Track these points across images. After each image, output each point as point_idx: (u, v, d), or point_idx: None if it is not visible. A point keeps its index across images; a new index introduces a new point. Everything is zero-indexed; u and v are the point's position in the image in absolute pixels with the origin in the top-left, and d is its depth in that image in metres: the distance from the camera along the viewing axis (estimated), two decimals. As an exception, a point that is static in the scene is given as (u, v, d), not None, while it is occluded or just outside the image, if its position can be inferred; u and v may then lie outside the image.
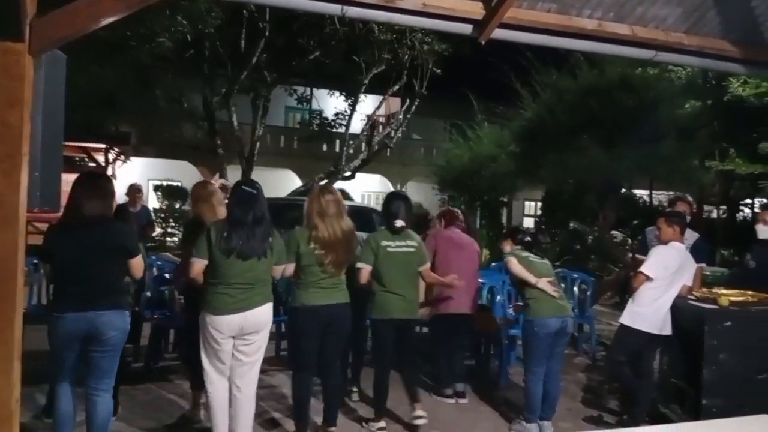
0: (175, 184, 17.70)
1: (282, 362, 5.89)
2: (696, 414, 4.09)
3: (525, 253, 4.55)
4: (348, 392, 4.91)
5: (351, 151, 16.49)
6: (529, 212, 22.98)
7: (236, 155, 15.46)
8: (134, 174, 17.07)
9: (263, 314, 3.66)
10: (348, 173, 15.98)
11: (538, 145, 10.19)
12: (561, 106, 9.74)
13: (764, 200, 12.24)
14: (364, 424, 4.48)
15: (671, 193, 17.54)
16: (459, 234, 5.37)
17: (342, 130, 16.90)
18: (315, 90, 18.38)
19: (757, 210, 12.89)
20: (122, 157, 17.26)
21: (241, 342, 3.65)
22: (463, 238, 5.36)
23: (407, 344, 4.47)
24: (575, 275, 7.33)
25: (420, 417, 4.37)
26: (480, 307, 5.77)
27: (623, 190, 13.48)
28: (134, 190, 7.95)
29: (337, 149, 17.40)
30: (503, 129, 13.49)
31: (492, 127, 14.74)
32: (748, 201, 16.04)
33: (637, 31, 4.36)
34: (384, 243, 4.32)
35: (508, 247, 4.75)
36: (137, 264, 3.59)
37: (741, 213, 16.52)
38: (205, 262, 3.59)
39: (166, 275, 6.13)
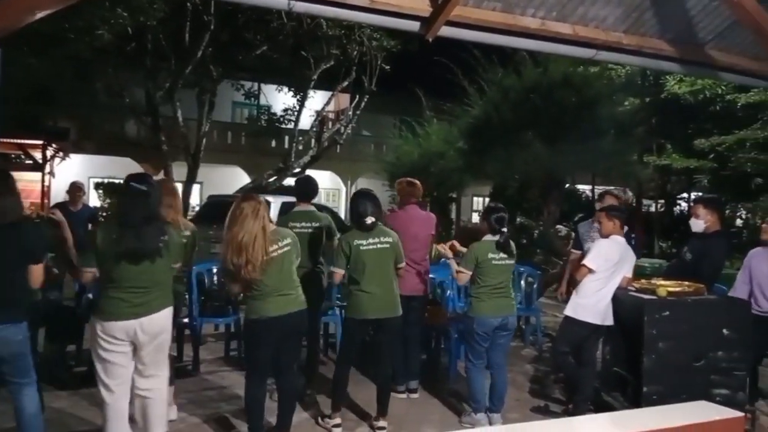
0: (117, 181, 17.15)
1: (231, 363, 5.84)
2: (637, 401, 4.23)
3: (490, 253, 4.50)
4: (303, 394, 4.86)
5: (300, 148, 16.35)
6: (478, 208, 23.36)
7: (182, 151, 15.08)
8: (74, 171, 16.49)
9: (161, 319, 3.44)
10: (297, 170, 15.82)
11: (484, 141, 10.35)
12: (506, 103, 9.92)
13: (699, 194, 12.77)
14: (320, 420, 4.47)
15: (612, 188, 18.20)
16: (416, 211, 5.30)
17: (291, 126, 16.73)
18: (263, 85, 18.10)
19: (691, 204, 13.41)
20: (61, 153, 16.61)
21: (140, 350, 3.43)
22: (420, 216, 5.30)
23: (384, 346, 4.42)
24: (522, 269, 7.49)
25: (382, 428, 4.38)
26: (430, 301, 5.83)
27: (567, 185, 13.85)
28: (75, 189, 7.65)
29: (286, 145, 17.24)
30: (451, 125, 13.65)
31: (440, 123, 14.89)
32: (685, 195, 16.74)
33: (579, 30, 4.48)
34: (356, 242, 4.29)
35: (483, 227, 4.68)
36: (37, 272, 3.35)
37: (678, 206, 17.23)
38: (94, 269, 3.37)
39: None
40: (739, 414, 2.87)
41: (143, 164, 17.64)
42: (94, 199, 16.50)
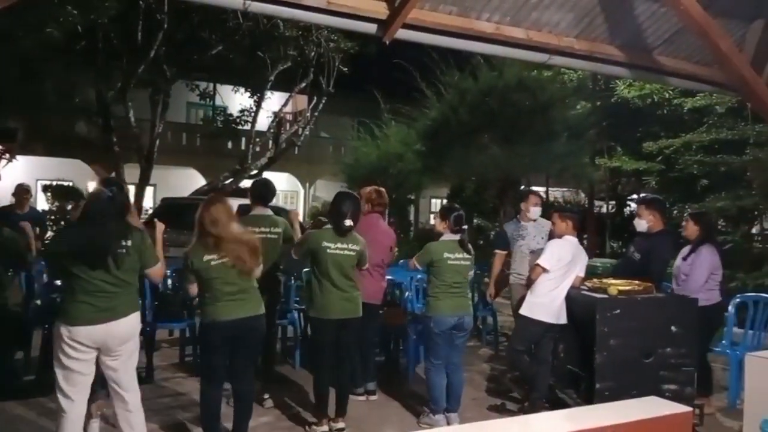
0: (66, 184, 16.62)
1: (187, 369, 5.73)
2: (590, 398, 4.32)
3: (446, 253, 4.53)
4: (260, 399, 4.79)
5: (257, 149, 16.16)
6: (436, 209, 23.53)
7: (134, 153, 14.73)
8: (20, 173, 15.88)
9: (129, 325, 3.39)
10: (254, 171, 15.65)
11: (442, 143, 10.44)
12: (463, 106, 10.03)
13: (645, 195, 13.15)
14: (307, 428, 4.42)
15: (566, 189, 18.61)
16: (378, 220, 5.30)
17: (247, 127, 16.52)
18: (218, 86, 17.85)
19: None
20: (7, 155, 15.98)
21: (109, 358, 3.36)
22: (381, 226, 5.32)
23: (345, 347, 4.43)
24: (478, 270, 7.57)
25: (341, 429, 4.36)
26: (389, 302, 5.84)
27: (522, 186, 14.07)
28: (22, 191, 7.35)
29: (243, 147, 17.01)
30: (409, 128, 13.71)
31: (399, 125, 14.94)
32: (635, 196, 17.22)
33: (532, 35, 4.56)
34: (325, 244, 4.27)
35: (440, 227, 4.69)
36: None
37: (628, 207, 17.72)
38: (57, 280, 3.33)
39: (58, 282, 5.76)
40: (687, 409, 2.96)
41: (94, 166, 17.16)
42: (42, 202, 15.93)
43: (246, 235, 3.82)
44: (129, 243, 3.39)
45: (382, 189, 5.44)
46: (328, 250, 4.28)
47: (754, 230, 12.10)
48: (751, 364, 4.27)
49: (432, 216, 22.63)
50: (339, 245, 4.30)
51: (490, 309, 7.46)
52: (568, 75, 12.40)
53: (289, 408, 4.84)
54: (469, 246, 4.64)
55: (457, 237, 4.58)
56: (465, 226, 4.60)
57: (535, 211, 5.58)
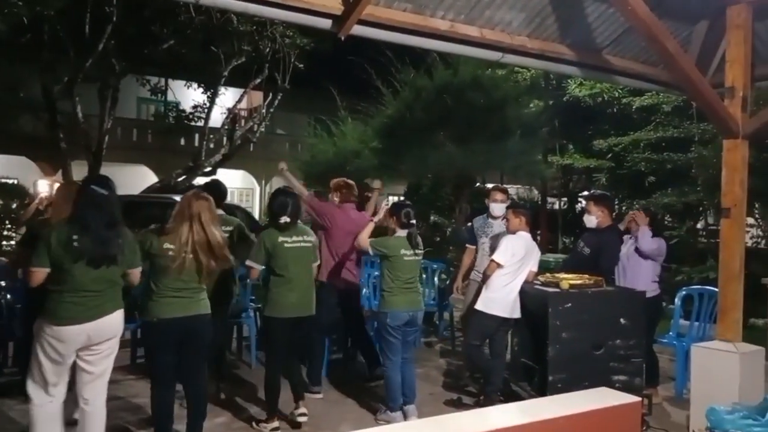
0: (10, 181, 15.98)
1: (138, 371, 5.58)
2: (543, 390, 4.40)
3: (402, 249, 4.57)
4: (216, 398, 4.72)
5: (211, 146, 15.87)
6: (393, 206, 23.57)
7: (82, 150, 14.25)
8: (-39, 171, 15.23)
9: (115, 322, 3.42)
10: (208, 169, 15.35)
11: (398, 140, 10.46)
12: (419, 103, 10.08)
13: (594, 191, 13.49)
14: (254, 424, 4.38)
15: (520, 186, 18.91)
16: (348, 210, 5.41)
17: (201, 123, 16.21)
18: (171, 81, 17.45)
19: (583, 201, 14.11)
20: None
21: (88, 352, 3.36)
22: (351, 215, 5.42)
23: (299, 342, 4.44)
24: (435, 265, 7.64)
25: (303, 414, 4.37)
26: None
27: (477, 183, 14.24)
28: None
29: (197, 144, 16.67)
30: (366, 125, 13.69)
31: (355, 122, 14.88)
32: (586, 193, 17.64)
33: (486, 33, 4.60)
34: (280, 239, 4.27)
35: (391, 223, 4.71)
36: None
37: (580, 204, 18.15)
38: (47, 270, 3.25)
39: (2, 282, 5.54)
40: (636, 399, 3.05)
41: (40, 163, 16.57)
42: (-17, 201, 15.26)
43: (220, 238, 3.75)
44: (122, 242, 3.39)
45: (351, 181, 5.59)
46: (285, 245, 4.28)
47: (699, 225, 12.57)
48: (696, 355, 4.46)
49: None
50: (294, 238, 4.32)
51: (447, 305, 7.53)
52: (521, 74, 12.61)
53: (244, 408, 4.78)
54: (418, 241, 4.68)
55: (405, 233, 4.61)
56: (413, 221, 4.63)
57: (496, 208, 5.54)
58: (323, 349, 5.39)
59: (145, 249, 3.63)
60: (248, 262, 4.34)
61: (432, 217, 15.73)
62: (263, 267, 4.37)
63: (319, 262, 4.63)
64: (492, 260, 4.85)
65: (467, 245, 5.88)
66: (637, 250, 5.21)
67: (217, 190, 5.05)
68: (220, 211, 4.97)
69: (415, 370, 4.85)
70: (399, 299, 4.58)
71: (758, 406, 3.39)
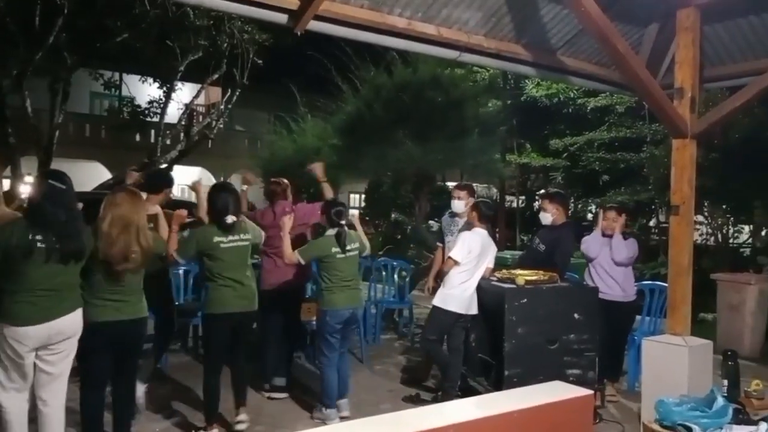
0: (-45, 177, 15.37)
1: (72, 372, 5.42)
2: (499, 384, 4.46)
3: (334, 248, 4.50)
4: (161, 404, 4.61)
5: (168, 142, 15.54)
6: (354, 204, 23.56)
7: (32, 145, 13.79)
8: None
9: (73, 322, 3.34)
10: (164, 165, 15.02)
11: (358, 138, 10.43)
12: (378, 101, 10.06)
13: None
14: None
15: (478, 185, 19.10)
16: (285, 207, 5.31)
17: (156, 119, 15.87)
18: (125, 75, 17.01)
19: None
20: None
21: (47, 352, 3.27)
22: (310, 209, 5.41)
23: (240, 340, 4.34)
24: (395, 263, 7.66)
25: (243, 422, 4.25)
26: (305, 298, 5.79)
27: (438, 182, 14.32)
28: None
29: (152, 140, 16.32)
30: (326, 122, 13.62)
31: (315, 119, 14.81)
32: (543, 191, 17.95)
33: (443, 31, 4.62)
34: (216, 239, 4.13)
35: (323, 222, 4.70)
36: None
37: (537, 202, 18.47)
38: None
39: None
40: (588, 392, 3.10)
41: (-13, 158, 15.92)
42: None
43: (147, 237, 3.61)
44: (84, 237, 3.33)
45: (281, 179, 5.58)
46: (221, 245, 4.15)
47: (651, 223, 12.93)
48: (647, 348, 4.57)
49: (350, 211, 22.68)
50: (230, 237, 4.18)
51: (407, 301, 7.57)
52: (480, 73, 12.73)
53: (185, 414, 4.64)
54: (345, 239, 4.56)
55: (334, 231, 4.55)
56: (343, 221, 4.58)
57: (458, 205, 5.54)
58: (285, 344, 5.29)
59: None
60: (176, 256, 4.15)
61: (393, 215, 15.77)
62: (183, 262, 4.32)
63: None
64: (449, 257, 4.89)
65: (438, 243, 5.90)
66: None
67: (159, 177, 4.94)
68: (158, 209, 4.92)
69: (349, 363, 4.90)
70: (338, 297, 4.54)
71: (705, 398, 3.49)
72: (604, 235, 5.28)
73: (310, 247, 4.61)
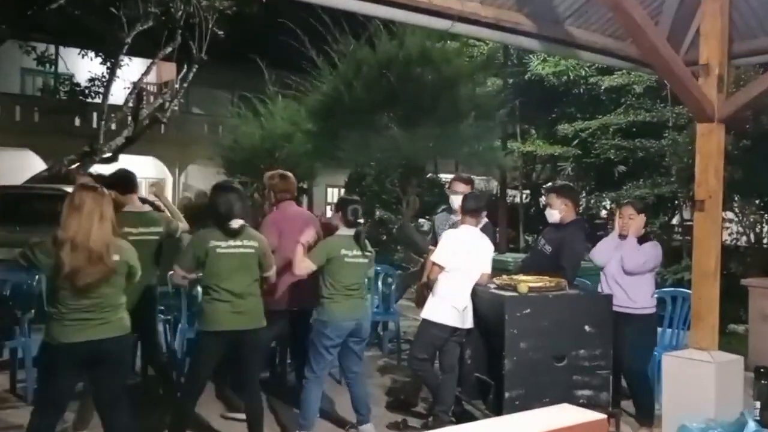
0: None
1: (19, 397, 5.43)
2: (499, 408, 4.47)
3: (343, 250, 4.57)
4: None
5: (113, 127, 15.43)
6: (333, 200, 23.54)
7: (-48, 130, 13.64)
8: None
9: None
10: (108, 154, 14.91)
11: (336, 122, 10.38)
12: (359, 79, 10.01)
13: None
14: None
15: (475, 177, 19.16)
16: (295, 210, 5.36)
17: (99, 100, 15.75)
18: (62, 49, 16.87)
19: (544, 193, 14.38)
20: None
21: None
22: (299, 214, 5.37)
23: (251, 368, 4.36)
24: (378, 268, 7.64)
25: None
26: None
27: (429, 174, 14.31)
28: None
29: (94, 124, 16.18)
30: (299, 104, 13.57)
31: (286, 101, 14.75)
32: (550, 184, 18.04)
33: (434, -2, 4.60)
34: (213, 243, 4.14)
35: (336, 220, 4.77)
36: None
37: (543, 197, 18.57)
38: None
39: None
40: (601, 416, 3.11)
41: None
42: None
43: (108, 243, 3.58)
44: None
45: (288, 173, 5.45)
46: (218, 250, 4.15)
47: (674, 221, 13.04)
48: (668, 365, 4.59)
49: (328, 208, 22.64)
50: (231, 243, 4.19)
51: (393, 313, 7.56)
52: (477, 47, 12.73)
53: None
54: (366, 242, 4.70)
55: (352, 231, 4.63)
56: (361, 220, 4.67)
57: (456, 200, 5.49)
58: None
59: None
60: (175, 267, 4.26)
61: (377, 212, 15.77)
62: (193, 275, 4.33)
63: (273, 272, 4.50)
64: (432, 262, 4.92)
65: (430, 246, 5.90)
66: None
67: (128, 178, 4.92)
68: (146, 207, 4.96)
69: (365, 383, 4.94)
70: (341, 307, 4.59)
71: (735, 422, 3.52)
72: (621, 236, 5.22)
73: (320, 247, 4.62)
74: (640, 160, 12.19)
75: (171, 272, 4.53)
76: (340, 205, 4.82)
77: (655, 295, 5.30)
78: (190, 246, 4.28)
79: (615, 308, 5.02)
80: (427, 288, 5.12)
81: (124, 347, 3.73)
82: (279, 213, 5.31)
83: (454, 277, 4.84)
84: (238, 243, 4.22)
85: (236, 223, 4.18)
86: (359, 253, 4.66)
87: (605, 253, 5.22)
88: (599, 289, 5.31)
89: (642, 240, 5.19)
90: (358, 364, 4.84)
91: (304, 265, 4.55)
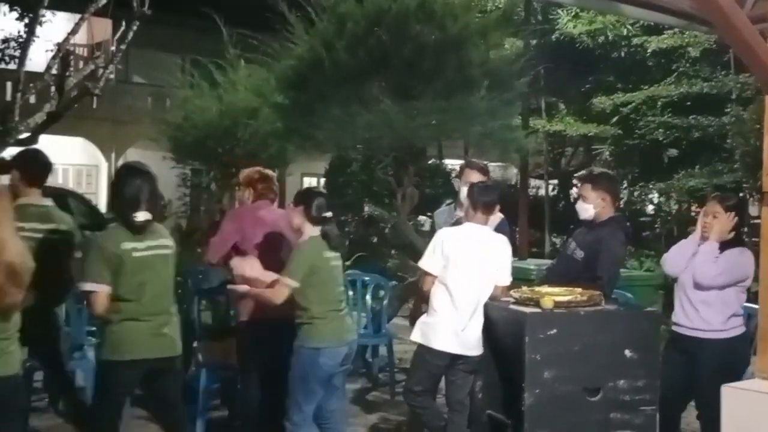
0: None
1: None
2: (517, 454, 4.49)
3: (325, 253, 4.62)
4: None
5: (32, 100, 15.41)
6: (312, 193, 23.58)
7: None
8: None
9: None
10: (26, 134, 14.88)
11: (313, 94, 10.37)
12: (342, 40, 9.99)
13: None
14: None
15: (491, 163, 19.21)
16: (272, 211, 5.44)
17: (14, 65, 15.73)
18: (-33, 1, 16.82)
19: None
20: None
21: None
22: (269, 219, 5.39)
23: (168, 400, 4.39)
24: (367, 278, 7.65)
25: None
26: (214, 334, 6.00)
27: (431, 159, 14.33)
28: None
29: (9, 96, 16.16)
30: (267, 71, 13.57)
31: (250, 67, 14.76)
32: (582, 172, 18.08)
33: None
34: (127, 246, 4.10)
35: (299, 220, 4.74)
36: None
37: (575, 188, 18.61)
38: None
39: None
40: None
41: None
42: None
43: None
44: None
45: (269, 171, 5.63)
46: (134, 254, 4.12)
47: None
48: (728, 398, 4.60)
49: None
50: (148, 243, 4.18)
51: (385, 334, 7.56)
52: (491, 0, 12.75)
53: None
54: (335, 241, 4.71)
55: (318, 231, 4.65)
56: (329, 214, 4.69)
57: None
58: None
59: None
60: (87, 285, 4.12)
61: (366, 208, 15.78)
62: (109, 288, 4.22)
63: None
64: (421, 269, 4.94)
65: None
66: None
67: (34, 161, 4.99)
68: (46, 200, 4.95)
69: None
70: (332, 328, 4.61)
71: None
72: (702, 240, 5.17)
73: (296, 260, 4.61)
74: (695, 142, 12.26)
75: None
76: (303, 199, 4.78)
77: (740, 315, 5.22)
78: (99, 256, 4.13)
79: (684, 330, 5.04)
80: (424, 303, 5.13)
81: (12, 386, 3.63)
82: (248, 213, 5.38)
83: (451, 289, 4.82)
84: (154, 243, 4.21)
85: (142, 216, 4.13)
86: (334, 254, 4.70)
87: (680, 259, 5.21)
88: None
89: (729, 245, 5.11)
90: (339, 399, 4.85)
91: (284, 289, 4.54)
